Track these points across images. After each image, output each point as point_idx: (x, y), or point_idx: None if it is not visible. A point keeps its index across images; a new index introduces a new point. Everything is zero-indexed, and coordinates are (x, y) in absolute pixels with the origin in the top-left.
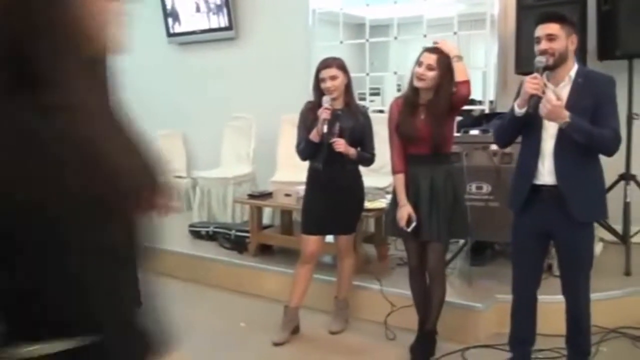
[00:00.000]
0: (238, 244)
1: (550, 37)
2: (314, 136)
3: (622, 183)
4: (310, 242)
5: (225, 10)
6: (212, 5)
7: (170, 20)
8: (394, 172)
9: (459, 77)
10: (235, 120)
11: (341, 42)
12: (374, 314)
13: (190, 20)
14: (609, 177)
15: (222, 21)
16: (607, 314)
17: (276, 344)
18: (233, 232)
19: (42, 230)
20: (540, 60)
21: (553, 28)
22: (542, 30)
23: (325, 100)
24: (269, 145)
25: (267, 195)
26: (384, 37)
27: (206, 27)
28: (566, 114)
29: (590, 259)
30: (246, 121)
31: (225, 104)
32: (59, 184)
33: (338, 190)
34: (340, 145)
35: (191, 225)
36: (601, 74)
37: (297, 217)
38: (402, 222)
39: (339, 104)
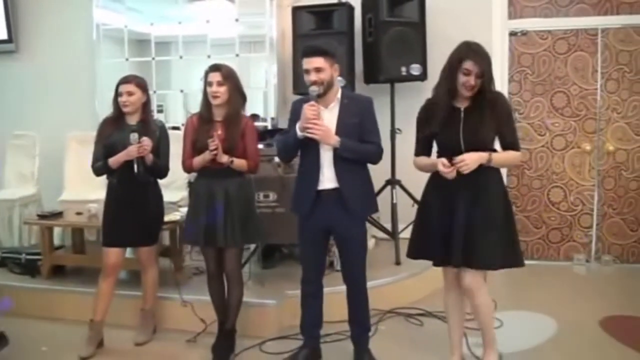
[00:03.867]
0: (29, 268)
1: (318, 69)
2: (114, 162)
3: (389, 187)
4: (111, 254)
5: (4, 22)
6: None
7: None
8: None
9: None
10: (18, 139)
11: (127, 60)
12: (178, 322)
13: None
14: (378, 182)
15: (1, 33)
16: (383, 298)
17: (83, 359)
18: (23, 255)
19: None
20: (314, 90)
21: (318, 62)
22: (309, 64)
23: (133, 138)
24: (53, 164)
25: (57, 214)
26: (168, 55)
27: None
28: (336, 138)
29: (364, 248)
30: (29, 139)
31: (6, 122)
32: None
33: (135, 204)
34: (146, 147)
35: None
36: (362, 96)
37: (88, 235)
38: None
39: (134, 120)
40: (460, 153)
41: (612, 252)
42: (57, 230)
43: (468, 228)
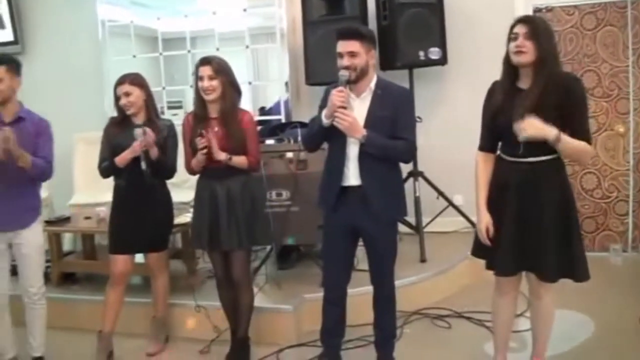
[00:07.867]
0: None
1: (352, 54)
2: (120, 160)
3: (411, 180)
4: (119, 262)
5: (10, 24)
6: None
7: None
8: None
9: None
10: None
11: (134, 56)
12: (191, 330)
13: None
14: None
15: (7, 35)
16: (408, 299)
17: None
18: None
19: None
20: (344, 74)
21: (354, 45)
22: (343, 47)
23: (138, 133)
24: (64, 167)
25: (65, 220)
26: (178, 50)
27: None
28: (362, 130)
29: (394, 252)
30: None
31: None
32: None
33: (143, 207)
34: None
35: None
36: (398, 87)
37: (99, 240)
38: None
39: (140, 120)
40: (515, 137)
41: None
42: (68, 236)
43: (521, 233)
